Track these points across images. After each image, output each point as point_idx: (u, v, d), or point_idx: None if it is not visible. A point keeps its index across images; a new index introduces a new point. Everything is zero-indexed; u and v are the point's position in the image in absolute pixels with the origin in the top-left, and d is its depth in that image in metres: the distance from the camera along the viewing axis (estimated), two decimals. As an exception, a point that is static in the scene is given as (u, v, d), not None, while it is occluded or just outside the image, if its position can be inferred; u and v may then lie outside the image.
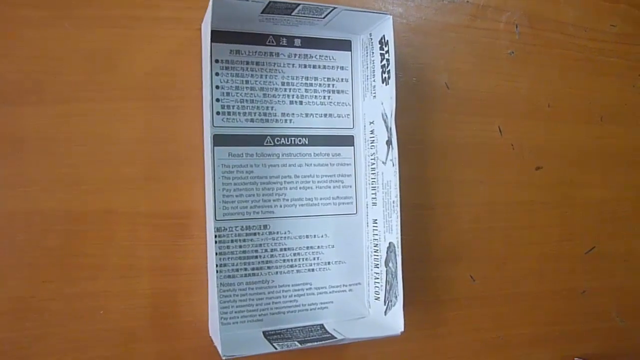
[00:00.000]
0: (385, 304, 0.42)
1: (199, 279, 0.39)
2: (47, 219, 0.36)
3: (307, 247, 0.42)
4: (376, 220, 0.43)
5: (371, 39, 0.42)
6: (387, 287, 0.41)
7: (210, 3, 0.35)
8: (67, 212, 0.37)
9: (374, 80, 0.42)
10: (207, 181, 0.39)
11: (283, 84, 0.42)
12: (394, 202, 0.40)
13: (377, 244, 0.43)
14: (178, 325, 0.39)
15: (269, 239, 0.41)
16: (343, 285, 0.43)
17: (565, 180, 0.52)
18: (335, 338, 0.39)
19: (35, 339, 0.36)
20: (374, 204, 0.43)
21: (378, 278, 0.43)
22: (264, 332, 0.40)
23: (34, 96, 0.37)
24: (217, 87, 0.41)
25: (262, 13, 0.39)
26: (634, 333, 0.55)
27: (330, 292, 0.43)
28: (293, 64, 0.43)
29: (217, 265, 0.40)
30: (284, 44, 0.42)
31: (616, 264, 0.54)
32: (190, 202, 0.40)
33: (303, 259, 0.42)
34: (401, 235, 0.39)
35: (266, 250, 0.41)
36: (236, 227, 0.41)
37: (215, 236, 0.40)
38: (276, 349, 0.37)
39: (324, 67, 0.43)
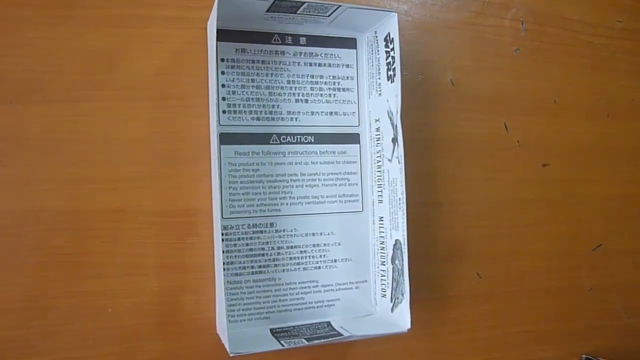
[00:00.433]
0: (391, 301, 0.42)
1: (206, 277, 0.40)
2: (55, 218, 0.37)
3: (314, 245, 0.42)
4: (382, 217, 0.43)
5: (376, 36, 0.42)
6: (394, 285, 0.41)
7: (216, 2, 0.35)
8: (74, 211, 0.37)
9: (379, 78, 0.42)
10: (213, 179, 0.39)
11: (289, 82, 0.42)
12: (400, 199, 0.40)
13: (383, 242, 0.43)
14: (185, 323, 0.39)
15: (275, 237, 0.42)
16: (350, 282, 0.43)
17: (572, 177, 0.52)
18: (342, 335, 0.39)
19: (43, 336, 0.36)
20: (380, 201, 0.43)
21: (384, 275, 0.43)
22: (271, 330, 0.40)
23: (39, 95, 0.37)
24: (223, 85, 0.41)
25: (267, 12, 0.39)
26: (642, 330, 0.55)
27: (337, 290, 0.43)
28: (298, 62, 0.43)
29: (224, 263, 0.40)
30: (290, 42, 0.43)
31: (623, 260, 0.54)
32: (197, 200, 0.40)
33: (310, 256, 0.42)
34: (407, 232, 0.39)
35: (273, 248, 0.41)
36: (243, 225, 0.41)
37: (222, 234, 0.40)
38: (283, 346, 0.37)
39: (330, 65, 0.44)
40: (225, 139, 0.40)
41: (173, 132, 0.40)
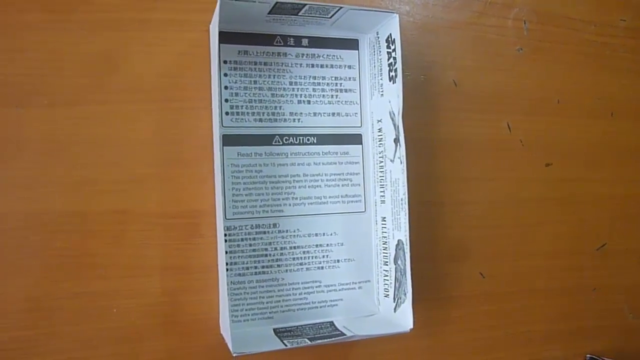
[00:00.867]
0: (394, 301, 0.42)
1: (210, 278, 0.40)
2: (59, 219, 0.37)
3: (317, 245, 0.43)
4: (385, 218, 0.43)
5: (378, 37, 0.43)
6: (396, 285, 0.41)
7: (218, 5, 0.35)
8: (78, 212, 0.37)
9: (381, 79, 0.43)
10: (216, 181, 0.39)
11: (291, 83, 0.43)
12: (402, 199, 0.40)
13: (386, 242, 0.43)
14: (189, 324, 0.40)
15: (278, 238, 0.42)
16: (352, 282, 0.43)
17: (575, 177, 0.52)
18: (345, 335, 0.39)
19: (48, 337, 0.37)
20: (383, 201, 0.43)
21: (387, 275, 0.43)
22: (274, 330, 0.40)
23: (43, 98, 0.37)
24: (225, 87, 0.41)
25: (269, 14, 0.39)
26: (647, 330, 0.55)
27: (339, 290, 0.43)
28: (301, 64, 0.43)
29: (227, 264, 0.40)
30: (292, 44, 0.43)
31: (628, 260, 0.54)
32: (201, 201, 0.40)
33: (312, 257, 0.42)
34: (410, 232, 0.39)
35: (276, 249, 0.42)
36: (246, 225, 0.41)
37: (225, 235, 0.40)
38: (286, 345, 0.37)
39: (332, 66, 0.44)
40: (228, 140, 0.41)
41: (176, 134, 0.40)
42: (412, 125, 0.45)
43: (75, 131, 0.38)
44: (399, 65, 0.40)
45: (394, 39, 0.40)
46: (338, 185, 0.43)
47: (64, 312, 0.37)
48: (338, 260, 0.43)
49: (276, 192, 0.42)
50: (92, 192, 0.38)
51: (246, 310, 0.41)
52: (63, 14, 0.38)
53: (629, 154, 0.54)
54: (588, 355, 0.52)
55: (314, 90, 0.43)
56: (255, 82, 0.42)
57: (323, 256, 0.43)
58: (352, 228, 0.44)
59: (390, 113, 0.41)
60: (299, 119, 0.43)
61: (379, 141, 0.43)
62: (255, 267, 0.41)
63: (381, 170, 0.43)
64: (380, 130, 0.43)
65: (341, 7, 0.39)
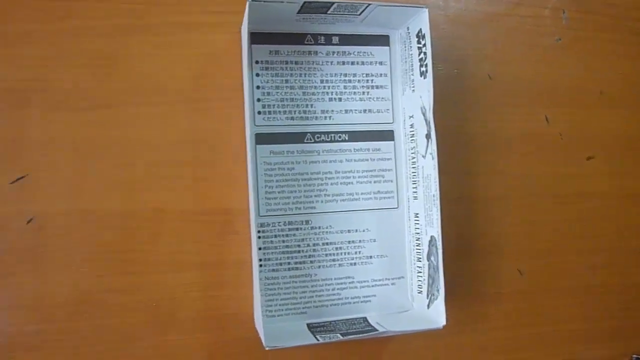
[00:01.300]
0: (427, 298, 0.42)
1: (244, 273, 0.41)
2: (102, 217, 0.39)
3: (349, 242, 0.43)
4: (417, 214, 0.43)
5: (409, 32, 0.42)
6: (430, 281, 0.41)
7: (247, 8, 0.36)
8: (119, 210, 0.39)
9: (412, 74, 0.42)
10: (249, 179, 0.40)
11: (322, 81, 0.43)
12: (434, 195, 0.40)
13: (419, 238, 0.43)
14: (224, 318, 0.41)
15: (311, 234, 0.42)
16: (385, 279, 0.44)
17: (619, 171, 0.50)
18: (377, 330, 0.39)
19: (92, 329, 0.39)
20: (415, 197, 0.43)
21: (421, 272, 0.43)
22: (308, 325, 0.41)
23: (85, 103, 0.39)
24: (257, 87, 0.42)
25: (298, 13, 0.39)
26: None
27: (372, 286, 0.43)
28: (331, 62, 0.43)
29: (260, 260, 0.41)
30: (322, 42, 0.43)
31: (676, 257, 0.51)
32: (235, 199, 0.41)
33: (345, 253, 0.43)
34: (443, 228, 0.39)
35: (308, 245, 0.42)
36: (279, 222, 0.42)
37: (259, 232, 0.41)
38: (318, 340, 0.37)
39: (363, 63, 0.44)
40: (261, 139, 0.42)
41: (211, 134, 0.41)
42: (445, 120, 0.45)
43: (114, 133, 0.39)
44: (429, 60, 0.39)
45: (424, 34, 0.40)
46: (370, 182, 0.44)
47: (108, 305, 0.39)
48: (371, 257, 0.43)
49: (308, 189, 0.42)
50: (132, 191, 0.40)
51: (280, 305, 0.41)
52: (102, 20, 0.40)
53: (678, 146, 0.52)
54: (634, 356, 0.50)
55: (345, 87, 0.43)
56: (286, 81, 0.42)
57: (356, 252, 0.43)
58: (385, 224, 0.44)
59: (421, 108, 0.41)
60: (330, 117, 0.43)
61: (411, 137, 0.43)
62: (289, 263, 0.42)
63: (413, 166, 0.43)
64: (412, 126, 0.43)
65: (369, 4, 0.39)
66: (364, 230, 0.43)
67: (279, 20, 0.41)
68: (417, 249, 0.43)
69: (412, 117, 0.43)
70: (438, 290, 0.40)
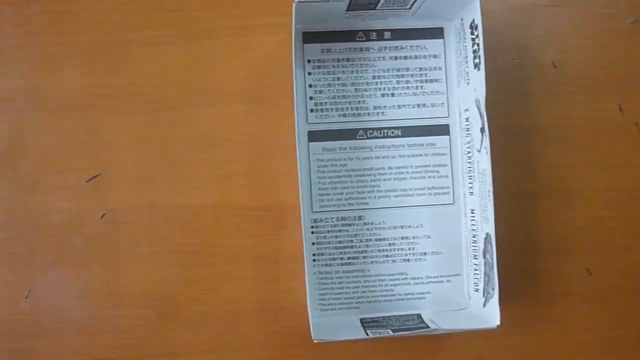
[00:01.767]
0: (484, 296, 0.40)
1: (298, 267, 0.42)
2: (165, 211, 0.42)
3: (402, 238, 0.43)
4: (474, 210, 0.42)
5: (462, 24, 0.41)
6: (485, 279, 0.40)
7: (293, 9, 0.37)
8: (180, 205, 0.42)
9: (467, 67, 0.41)
10: (302, 175, 0.41)
11: (374, 77, 0.43)
12: (489, 191, 0.39)
13: (475, 235, 0.42)
14: (280, 310, 0.42)
15: (363, 230, 0.43)
16: (440, 276, 0.43)
17: None
18: (429, 328, 0.39)
19: (160, 316, 0.42)
20: (471, 193, 0.42)
21: (477, 269, 0.41)
22: (361, 320, 0.41)
23: (148, 105, 0.42)
24: (310, 85, 0.43)
25: (347, 11, 0.40)
26: None
27: (427, 283, 0.43)
28: (384, 57, 0.43)
29: (314, 255, 0.42)
30: (374, 37, 0.43)
31: None
32: (289, 194, 0.42)
33: (398, 249, 0.43)
34: (497, 225, 0.37)
35: (361, 241, 0.42)
36: (332, 218, 0.42)
37: (312, 227, 0.42)
38: (368, 335, 0.38)
39: (416, 57, 0.43)
40: (314, 136, 0.42)
41: (266, 132, 0.43)
42: (504, 113, 0.43)
43: (176, 133, 0.42)
44: (481, 52, 0.38)
45: (477, 25, 0.39)
46: (424, 177, 0.43)
47: (172, 295, 0.42)
48: (425, 253, 0.43)
49: (361, 185, 0.43)
50: (192, 187, 0.42)
51: (333, 299, 0.42)
52: (171, 29, 0.43)
53: None
54: None
55: (397, 82, 0.43)
56: (338, 78, 0.43)
57: (409, 249, 0.43)
58: (440, 220, 0.43)
59: (476, 101, 0.40)
60: (382, 112, 0.43)
61: (467, 131, 0.42)
62: (342, 259, 0.42)
63: (469, 161, 0.42)
64: (467, 119, 0.42)
65: (418, -3, 0.38)
66: (417, 227, 0.43)
67: (329, 19, 0.41)
68: (473, 246, 0.42)
69: (467, 110, 0.42)
70: (493, 289, 0.38)
